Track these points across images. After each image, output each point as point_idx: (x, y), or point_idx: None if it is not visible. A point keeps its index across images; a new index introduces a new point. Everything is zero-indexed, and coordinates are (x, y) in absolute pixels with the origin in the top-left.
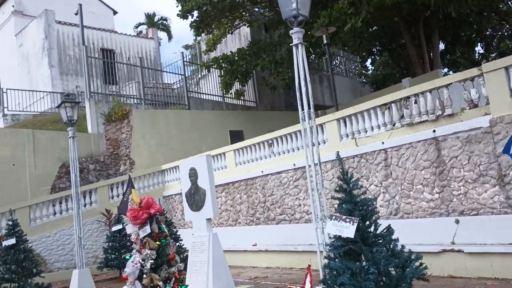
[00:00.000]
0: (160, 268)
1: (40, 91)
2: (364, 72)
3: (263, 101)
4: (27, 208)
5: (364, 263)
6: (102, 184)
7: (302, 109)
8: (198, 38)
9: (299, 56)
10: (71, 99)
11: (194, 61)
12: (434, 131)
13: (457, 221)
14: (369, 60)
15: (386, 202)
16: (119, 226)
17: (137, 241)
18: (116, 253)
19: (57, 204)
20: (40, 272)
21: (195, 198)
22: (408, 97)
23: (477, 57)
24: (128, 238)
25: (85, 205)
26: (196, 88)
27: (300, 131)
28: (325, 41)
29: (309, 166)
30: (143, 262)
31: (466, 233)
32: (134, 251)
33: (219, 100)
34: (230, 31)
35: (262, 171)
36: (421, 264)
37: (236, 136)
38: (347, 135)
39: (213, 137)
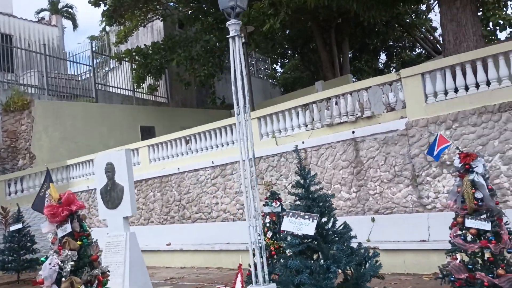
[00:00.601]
0: (81, 271)
1: None
2: (274, 74)
3: (174, 97)
4: None
5: (322, 261)
6: None
7: (238, 104)
8: (108, 28)
9: (236, 49)
10: None
11: (102, 52)
12: (353, 132)
13: (373, 220)
14: (279, 63)
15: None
16: (19, 225)
17: (54, 241)
18: (15, 255)
19: None
20: None
21: (112, 195)
22: (329, 98)
23: (380, 66)
24: (28, 238)
25: None
26: (104, 81)
27: (219, 128)
28: (242, 40)
29: (243, 160)
30: (62, 264)
31: (381, 231)
32: (51, 252)
33: (129, 94)
34: (143, 24)
35: (179, 168)
36: (376, 261)
37: (148, 132)
38: (267, 134)
39: (123, 132)
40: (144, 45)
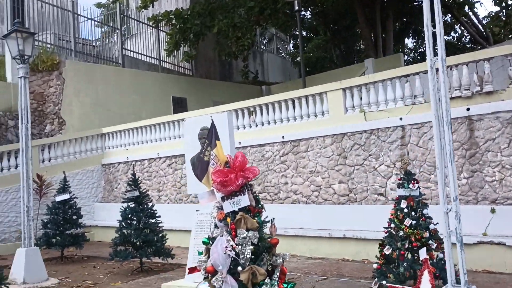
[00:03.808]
0: (260, 258)
1: None
2: (295, 53)
3: (199, 69)
4: None
5: None
6: (31, 144)
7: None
8: None
9: None
10: (26, 29)
11: (111, 18)
12: (468, 109)
13: (492, 210)
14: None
15: None
16: (65, 196)
17: (222, 218)
18: (60, 229)
19: None
20: None
21: None
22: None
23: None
24: (74, 211)
25: (9, 168)
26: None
27: (292, 99)
28: (296, 7)
29: (438, 125)
30: (240, 249)
31: (503, 224)
32: (217, 230)
33: (155, 63)
34: None
35: (240, 142)
36: None
37: (180, 104)
38: (353, 108)
39: (156, 102)
40: (181, 8)
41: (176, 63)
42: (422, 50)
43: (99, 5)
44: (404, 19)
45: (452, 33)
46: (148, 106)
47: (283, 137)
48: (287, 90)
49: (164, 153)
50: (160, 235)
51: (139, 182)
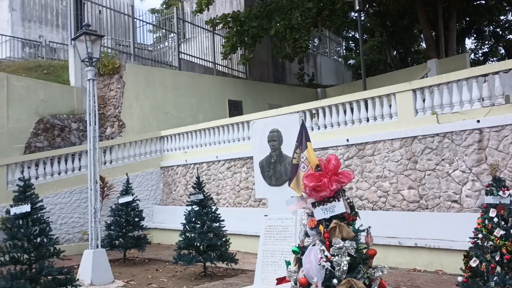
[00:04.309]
0: (356, 270)
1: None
2: (349, 55)
3: (252, 72)
4: (5, 168)
5: None
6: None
7: None
8: None
9: None
10: (94, 31)
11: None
12: None
13: None
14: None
15: (475, 192)
16: (128, 198)
17: (314, 226)
18: (123, 231)
19: (41, 166)
20: (59, 252)
21: (277, 169)
22: None
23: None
24: (136, 213)
25: (73, 170)
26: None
27: (356, 101)
28: (357, 7)
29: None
30: (336, 259)
31: None
32: (308, 239)
33: (210, 66)
34: None
35: None
36: None
37: (235, 107)
38: (424, 110)
39: (212, 105)
40: (238, 11)
41: (230, 66)
42: (485, 50)
43: (153, 11)
44: (467, 19)
45: None
46: (205, 109)
47: (347, 140)
48: (344, 92)
49: (223, 156)
50: (224, 239)
51: (203, 185)
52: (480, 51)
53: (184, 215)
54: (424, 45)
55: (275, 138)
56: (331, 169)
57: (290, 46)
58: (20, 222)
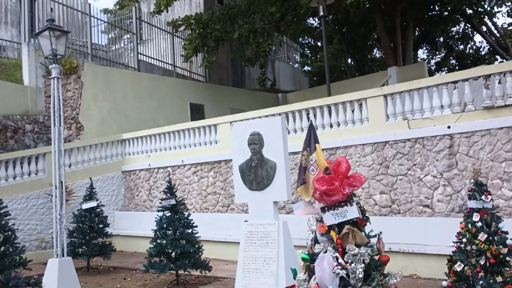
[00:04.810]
0: (371, 278)
1: None
2: (306, 61)
3: (212, 76)
4: None
5: None
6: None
7: None
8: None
9: None
10: (58, 26)
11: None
12: None
13: None
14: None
15: (447, 197)
16: (92, 203)
17: (325, 232)
18: (86, 238)
19: None
20: (26, 262)
21: (258, 173)
22: (488, 76)
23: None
24: (100, 219)
25: (29, 174)
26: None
27: (327, 106)
28: (321, 13)
29: None
30: (352, 267)
31: None
32: (319, 246)
33: (169, 68)
34: None
35: None
36: None
37: (197, 111)
38: (395, 115)
39: (173, 108)
40: (200, 13)
41: (190, 69)
42: (437, 59)
43: (106, 11)
44: (422, 28)
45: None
46: (166, 112)
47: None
48: (305, 98)
49: (189, 160)
50: (197, 246)
51: (175, 189)
52: (432, 61)
53: (156, 221)
54: (379, 53)
55: (255, 141)
56: (342, 172)
57: (253, 50)
58: None
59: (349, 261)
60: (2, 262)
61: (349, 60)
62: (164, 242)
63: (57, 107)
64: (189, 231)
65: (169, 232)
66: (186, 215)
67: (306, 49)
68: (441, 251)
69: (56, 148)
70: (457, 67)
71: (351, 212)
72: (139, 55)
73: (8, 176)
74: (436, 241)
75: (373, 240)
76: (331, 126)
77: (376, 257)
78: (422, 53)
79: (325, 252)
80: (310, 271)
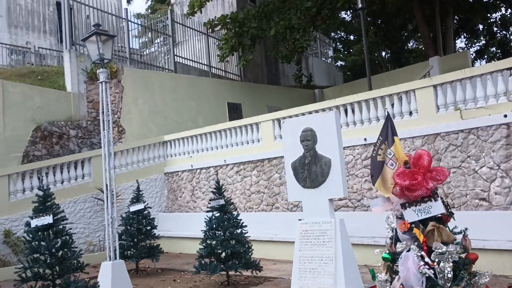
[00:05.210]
0: (459, 277)
1: None
2: (339, 56)
3: (247, 75)
4: (6, 178)
5: None
6: (97, 153)
7: None
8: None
9: None
10: (105, 31)
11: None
12: None
13: None
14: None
15: (505, 189)
16: (139, 206)
17: (407, 229)
18: (134, 240)
19: (44, 175)
20: (83, 265)
21: (311, 170)
22: None
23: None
24: (148, 221)
25: (76, 178)
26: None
27: (373, 99)
28: (359, 5)
29: None
30: (441, 266)
31: None
32: (400, 244)
33: (205, 69)
34: None
35: None
36: None
37: (235, 110)
38: (446, 106)
39: (211, 108)
40: (236, 12)
41: (224, 69)
42: (476, 48)
43: (138, 16)
44: (461, 16)
45: None
46: (204, 112)
47: (365, 139)
48: (342, 93)
49: (232, 159)
50: (247, 246)
51: (223, 189)
52: (471, 49)
53: (205, 221)
54: (415, 44)
55: (308, 138)
56: (424, 166)
57: (290, 46)
58: (40, 235)
59: (436, 260)
60: (61, 267)
61: (383, 53)
62: (214, 242)
63: (105, 111)
64: (239, 231)
65: (219, 232)
66: (235, 215)
67: (338, 44)
68: (501, 246)
69: (106, 151)
70: (498, 55)
71: (436, 208)
72: (175, 57)
73: (56, 181)
74: (495, 236)
75: (458, 237)
76: (378, 120)
77: (463, 255)
78: (460, 42)
79: (408, 251)
80: (392, 271)
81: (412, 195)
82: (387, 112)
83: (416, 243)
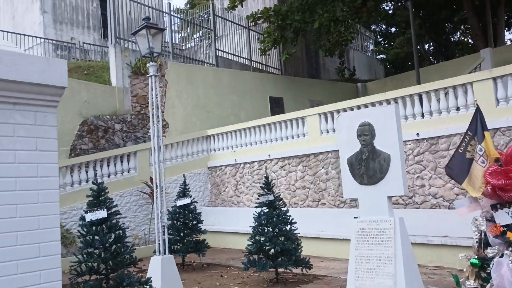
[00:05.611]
0: None
1: (34, 36)
2: (381, 49)
3: (287, 69)
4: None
5: None
6: (143, 147)
7: None
8: None
9: None
10: (155, 25)
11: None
12: None
13: None
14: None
15: None
16: (186, 200)
17: (499, 233)
18: (181, 234)
19: (90, 169)
20: (136, 260)
21: (369, 166)
22: None
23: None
24: (194, 216)
25: (122, 172)
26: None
27: (426, 92)
28: None
29: None
30: None
31: None
32: (491, 249)
33: (245, 63)
34: None
35: None
36: None
37: (277, 104)
38: (507, 99)
39: (253, 102)
40: (279, 5)
41: (265, 63)
42: None
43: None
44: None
45: None
46: (246, 106)
47: (417, 134)
48: (386, 87)
49: (276, 154)
50: (296, 243)
51: (273, 185)
52: None
53: (254, 217)
54: (463, 36)
55: (366, 132)
56: None
57: (334, 39)
58: (95, 229)
59: None
60: (115, 261)
61: (426, 46)
62: (262, 239)
63: (155, 105)
64: (288, 227)
65: (268, 229)
66: (284, 211)
67: (379, 37)
68: None
69: (156, 145)
70: None
71: None
72: (216, 51)
73: (103, 174)
74: None
75: None
76: (431, 114)
77: None
78: (509, 34)
79: (501, 256)
80: (481, 278)
81: (506, 195)
82: (477, 105)
83: (510, 248)
